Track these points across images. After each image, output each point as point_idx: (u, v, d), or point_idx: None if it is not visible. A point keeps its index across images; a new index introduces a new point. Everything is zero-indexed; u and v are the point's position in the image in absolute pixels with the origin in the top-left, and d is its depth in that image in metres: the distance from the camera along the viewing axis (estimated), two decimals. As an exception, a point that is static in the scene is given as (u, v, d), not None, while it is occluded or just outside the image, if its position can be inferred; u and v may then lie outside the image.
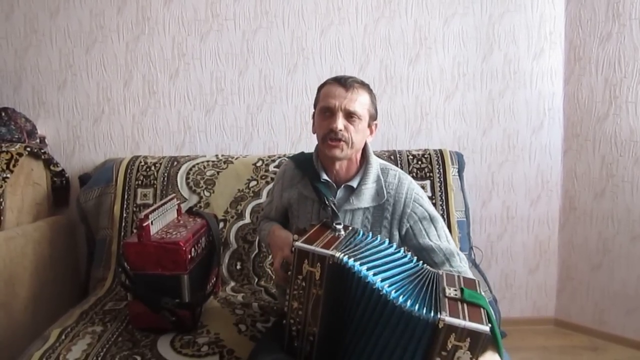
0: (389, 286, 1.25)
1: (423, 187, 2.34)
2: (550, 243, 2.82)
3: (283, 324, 1.41)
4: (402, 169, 2.33)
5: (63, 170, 2.59)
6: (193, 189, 2.36)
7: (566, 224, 2.78)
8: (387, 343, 1.25)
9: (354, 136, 1.49)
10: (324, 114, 1.52)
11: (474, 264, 2.42)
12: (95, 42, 2.61)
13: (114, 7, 2.59)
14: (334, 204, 1.52)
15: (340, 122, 1.48)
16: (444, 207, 2.34)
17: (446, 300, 1.24)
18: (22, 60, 2.61)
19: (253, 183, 2.37)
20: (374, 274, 1.27)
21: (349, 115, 1.49)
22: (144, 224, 1.65)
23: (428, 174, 2.39)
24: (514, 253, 2.82)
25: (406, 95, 2.69)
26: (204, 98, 2.67)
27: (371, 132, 1.59)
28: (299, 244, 1.32)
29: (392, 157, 2.43)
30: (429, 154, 2.45)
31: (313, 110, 1.60)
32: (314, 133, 1.58)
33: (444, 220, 2.28)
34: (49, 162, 2.52)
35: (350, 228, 1.47)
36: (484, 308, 1.22)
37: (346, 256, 1.29)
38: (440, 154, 2.45)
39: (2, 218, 2.19)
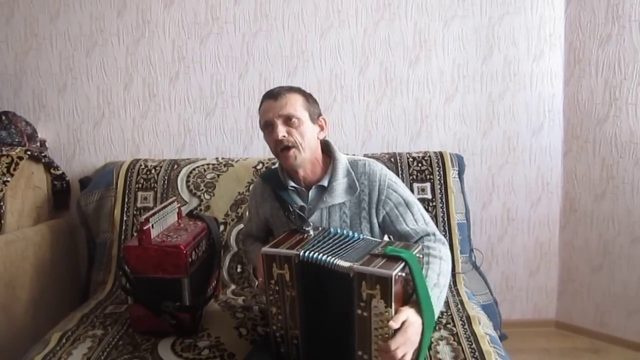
0: None
1: (423, 190, 2.35)
2: (551, 245, 2.81)
3: (267, 332, 1.41)
4: (402, 171, 2.36)
5: (63, 173, 2.60)
6: (193, 192, 2.36)
7: (567, 226, 2.78)
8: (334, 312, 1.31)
9: (300, 138, 1.51)
10: (266, 130, 1.54)
11: (474, 266, 2.42)
12: (96, 45, 2.62)
13: (114, 11, 2.60)
14: (301, 208, 1.54)
15: (281, 130, 1.49)
16: (444, 209, 2.34)
17: (367, 256, 1.29)
18: (23, 63, 2.61)
19: (253, 186, 2.37)
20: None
21: (287, 120, 1.50)
22: (145, 227, 1.65)
23: (428, 176, 2.39)
24: (514, 255, 2.82)
25: (406, 97, 2.69)
26: (204, 101, 2.67)
27: (322, 128, 1.60)
28: (265, 249, 1.36)
29: (392, 159, 2.43)
30: (429, 156, 2.45)
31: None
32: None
33: (445, 223, 2.31)
34: (49, 166, 2.52)
35: (320, 229, 1.49)
36: (404, 260, 1.25)
37: (312, 252, 1.31)
38: (441, 156, 2.45)
39: (2, 221, 2.19)
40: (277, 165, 1.68)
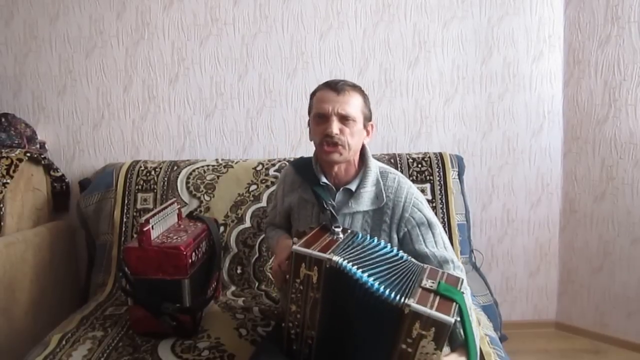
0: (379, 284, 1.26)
1: (423, 191, 2.35)
2: (551, 246, 2.81)
3: (282, 327, 1.41)
4: (402, 172, 2.35)
5: (63, 175, 2.59)
6: (193, 193, 2.36)
7: (566, 227, 2.78)
8: (363, 329, 1.27)
9: (350, 139, 1.50)
10: (319, 119, 1.53)
11: (474, 267, 2.41)
12: (95, 47, 2.62)
13: (114, 13, 2.60)
14: (333, 207, 1.52)
15: (335, 126, 1.48)
16: (444, 210, 2.34)
17: (420, 289, 1.24)
18: (22, 65, 2.61)
19: (253, 187, 2.37)
20: (374, 279, 1.26)
21: (343, 119, 1.49)
22: (145, 229, 1.65)
23: (428, 177, 2.39)
24: (514, 256, 2.82)
25: (406, 98, 2.70)
26: (203, 102, 2.67)
27: (368, 134, 1.60)
28: (296, 247, 1.32)
29: (392, 160, 2.43)
30: (429, 157, 2.45)
31: (308, 118, 1.61)
32: (310, 140, 1.59)
33: (445, 224, 2.31)
34: (49, 168, 2.52)
35: (349, 231, 1.46)
36: (457, 303, 1.22)
37: (344, 260, 1.28)
38: (440, 157, 2.45)
39: (2, 223, 2.18)
40: (309, 157, 1.66)
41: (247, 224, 2.31)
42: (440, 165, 2.41)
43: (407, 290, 1.24)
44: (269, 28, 2.63)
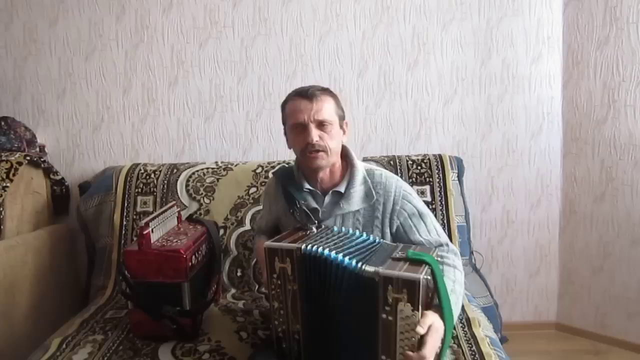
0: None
1: (423, 192, 2.35)
2: (551, 247, 2.81)
3: (268, 335, 1.42)
4: (401, 174, 2.36)
5: (63, 178, 2.60)
6: (193, 196, 2.36)
7: (566, 228, 2.78)
8: (345, 315, 1.29)
9: (330, 142, 1.52)
10: (297, 129, 1.54)
11: (474, 269, 2.42)
12: (95, 50, 2.62)
13: (113, 16, 2.60)
14: (312, 210, 1.55)
15: (315, 134, 1.50)
16: (444, 212, 2.34)
17: (389, 259, 1.28)
18: (22, 69, 2.61)
19: (253, 190, 2.37)
20: (346, 257, 1.29)
21: (321, 125, 1.51)
22: (145, 232, 1.65)
23: (427, 179, 2.39)
24: (514, 257, 2.82)
25: (405, 100, 2.70)
26: (203, 105, 2.68)
27: (344, 132, 1.61)
28: (268, 243, 1.36)
29: (391, 162, 2.43)
30: (429, 159, 2.45)
31: (283, 127, 1.61)
32: (289, 148, 1.60)
33: (444, 226, 2.31)
34: (48, 171, 2.52)
35: (323, 226, 1.49)
36: (428, 264, 1.25)
37: (314, 246, 1.31)
38: (440, 159, 2.45)
39: (2, 227, 2.19)
40: (290, 165, 1.68)
41: (247, 226, 2.31)
42: (439, 167, 2.41)
43: (378, 263, 1.27)
44: (268, 31, 2.64)
